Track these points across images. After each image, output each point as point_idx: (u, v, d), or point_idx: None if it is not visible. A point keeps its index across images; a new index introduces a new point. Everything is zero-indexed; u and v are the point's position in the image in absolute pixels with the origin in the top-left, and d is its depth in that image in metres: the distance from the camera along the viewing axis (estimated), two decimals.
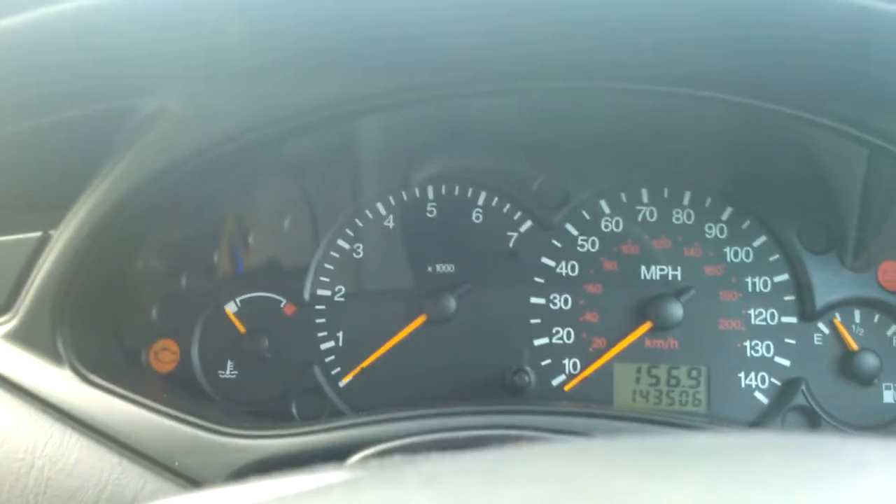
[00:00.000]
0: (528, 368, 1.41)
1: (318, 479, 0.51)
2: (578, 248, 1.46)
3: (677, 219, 1.46)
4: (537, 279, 1.45)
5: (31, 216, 1.20)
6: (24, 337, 1.16)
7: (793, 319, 1.42)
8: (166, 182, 1.15)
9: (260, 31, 1.03)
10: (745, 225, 1.44)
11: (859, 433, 1.36)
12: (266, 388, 1.43)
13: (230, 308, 1.46)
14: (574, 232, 1.46)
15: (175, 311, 1.45)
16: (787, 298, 1.42)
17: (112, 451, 1.08)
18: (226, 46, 1.06)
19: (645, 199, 1.47)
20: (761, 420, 1.39)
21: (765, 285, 1.43)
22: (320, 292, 1.45)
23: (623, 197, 1.47)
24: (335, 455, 1.07)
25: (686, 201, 1.46)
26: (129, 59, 1.08)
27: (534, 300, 1.44)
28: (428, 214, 1.48)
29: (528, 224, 1.46)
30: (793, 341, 1.41)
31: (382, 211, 1.48)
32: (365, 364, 1.43)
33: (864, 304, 1.42)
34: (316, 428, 1.11)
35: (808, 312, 1.40)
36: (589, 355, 1.42)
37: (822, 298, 1.40)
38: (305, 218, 1.47)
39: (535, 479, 0.42)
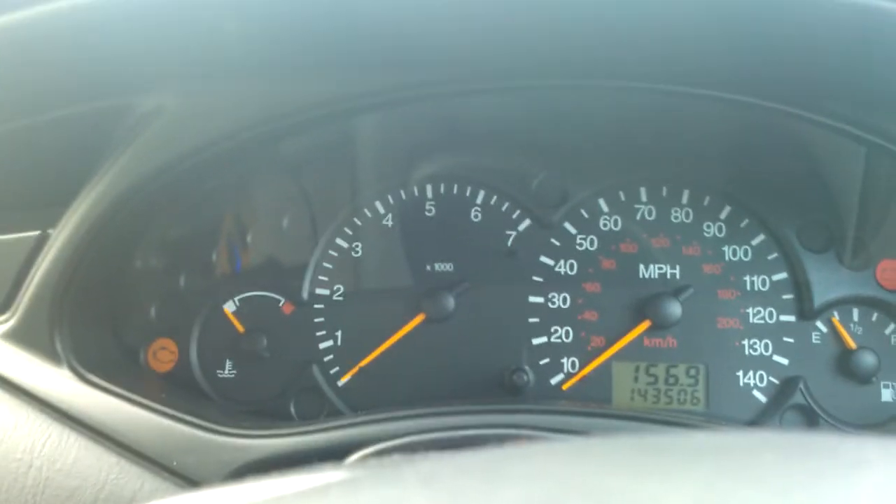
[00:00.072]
0: (526, 367, 1.41)
1: (316, 479, 0.51)
2: (577, 247, 1.46)
3: (676, 217, 1.46)
4: (536, 278, 1.45)
5: (30, 215, 1.20)
6: (23, 336, 1.16)
7: (791, 318, 1.42)
8: (164, 180, 1.15)
9: (257, 29, 1.03)
10: (744, 224, 1.44)
11: (857, 432, 1.37)
12: (265, 387, 1.43)
13: (229, 307, 1.45)
14: (573, 231, 1.46)
15: (173, 310, 1.44)
16: (785, 297, 1.42)
17: (110, 451, 1.08)
18: (223, 44, 1.05)
19: (643, 197, 1.47)
20: (760, 418, 1.39)
21: (763, 284, 1.43)
22: (319, 291, 1.45)
23: (622, 196, 1.47)
24: (334, 454, 1.07)
25: (685, 200, 1.46)
26: (126, 57, 1.07)
27: (532, 299, 1.44)
28: (426, 213, 1.48)
29: (526, 223, 1.46)
30: (791, 340, 1.41)
31: (381, 210, 1.48)
32: (363, 363, 1.43)
33: (862, 303, 1.42)
34: (314, 427, 1.11)
35: (806, 311, 1.40)
36: (587, 354, 1.42)
37: (820, 297, 1.40)
38: (304, 217, 1.47)
39: (533, 478, 0.42)
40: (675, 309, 1.39)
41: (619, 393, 1.42)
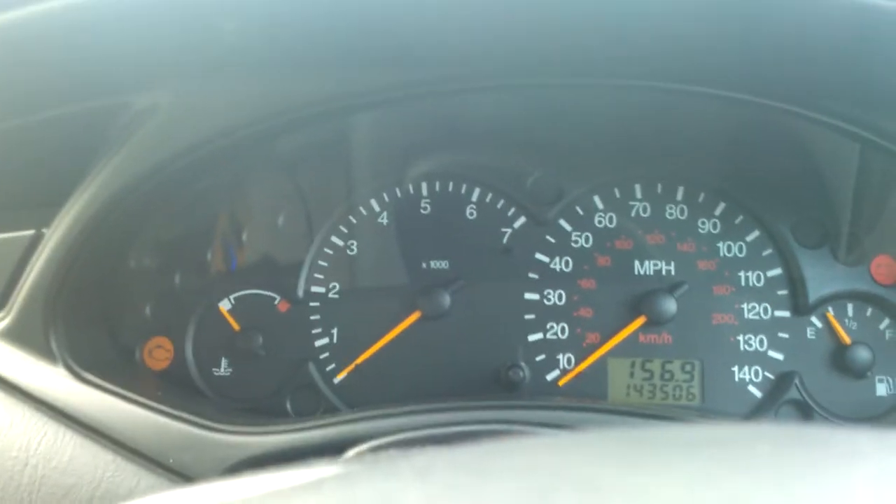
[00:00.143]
0: (522, 364, 1.41)
1: (311, 473, 0.51)
2: (572, 244, 1.46)
3: (671, 214, 1.46)
4: (531, 275, 1.45)
5: (24, 214, 1.20)
6: (18, 335, 1.16)
7: (786, 313, 1.42)
8: (159, 179, 1.15)
9: (252, 27, 1.02)
10: (739, 220, 1.45)
11: (852, 426, 1.37)
12: (260, 385, 1.43)
13: (224, 305, 1.45)
14: (568, 227, 1.46)
15: (169, 308, 1.44)
16: (780, 293, 1.43)
17: (106, 449, 1.08)
18: (218, 42, 1.05)
19: (638, 194, 1.47)
20: (755, 414, 1.39)
21: (758, 280, 1.43)
22: (314, 289, 1.45)
23: (616, 192, 1.47)
24: (330, 451, 1.08)
25: (679, 196, 1.47)
26: (120, 56, 1.07)
27: (528, 296, 1.44)
28: (422, 211, 1.48)
29: (521, 220, 1.47)
30: (786, 335, 1.41)
31: (376, 207, 1.48)
32: (359, 361, 1.43)
33: (856, 298, 1.42)
34: (310, 424, 1.11)
35: (801, 306, 1.41)
36: (583, 350, 1.42)
37: (815, 292, 1.41)
38: (299, 215, 1.47)
39: (527, 470, 0.42)
40: (670, 305, 1.40)
41: (615, 389, 1.42)
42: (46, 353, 1.16)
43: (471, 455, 0.47)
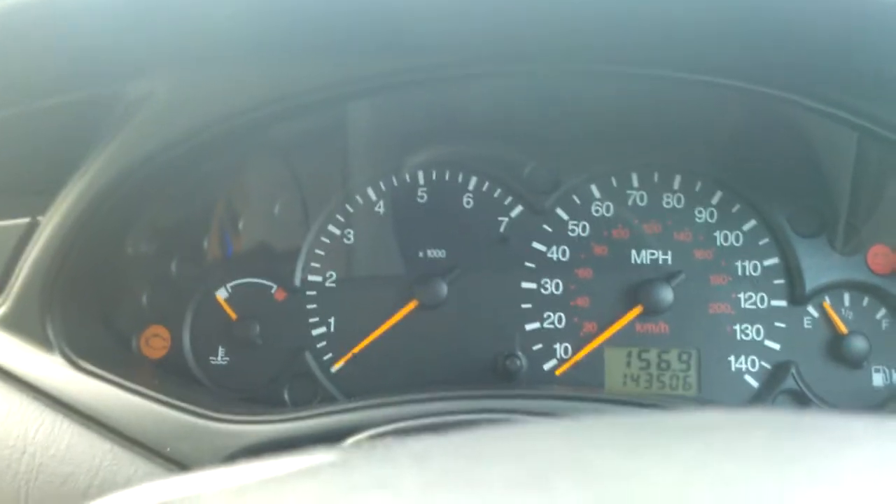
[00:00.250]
0: (519, 353, 1.41)
1: (307, 460, 0.51)
2: (569, 233, 1.46)
3: (667, 203, 1.46)
4: (528, 264, 1.45)
5: (19, 202, 1.19)
6: (14, 323, 1.16)
7: (783, 303, 1.42)
8: (154, 167, 1.14)
9: (249, 13, 1.02)
10: (735, 209, 1.45)
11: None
12: (258, 374, 1.43)
13: (221, 294, 1.45)
14: (565, 217, 1.46)
15: (165, 297, 1.44)
16: (776, 282, 1.43)
17: (104, 437, 1.08)
18: (215, 28, 1.05)
19: (635, 183, 1.47)
20: (752, 403, 1.39)
21: (755, 269, 1.43)
22: (311, 278, 1.45)
23: (613, 181, 1.47)
24: (327, 440, 1.08)
25: (676, 185, 1.46)
26: (116, 44, 1.07)
27: (525, 285, 1.44)
28: (419, 200, 1.48)
29: (518, 209, 1.46)
30: (783, 325, 1.42)
31: (373, 196, 1.47)
32: (356, 350, 1.43)
33: (853, 288, 1.42)
34: (307, 413, 1.12)
35: (797, 296, 1.41)
36: (580, 340, 1.43)
37: (811, 282, 1.41)
38: (296, 203, 1.47)
39: (523, 455, 0.42)
40: (666, 294, 1.40)
41: (612, 378, 1.42)
42: (43, 342, 1.15)
43: (467, 441, 0.47)
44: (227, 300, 1.45)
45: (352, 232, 1.47)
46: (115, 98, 1.13)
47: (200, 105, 1.12)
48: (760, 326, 1.41)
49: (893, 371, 1.40)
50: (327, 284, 1.45)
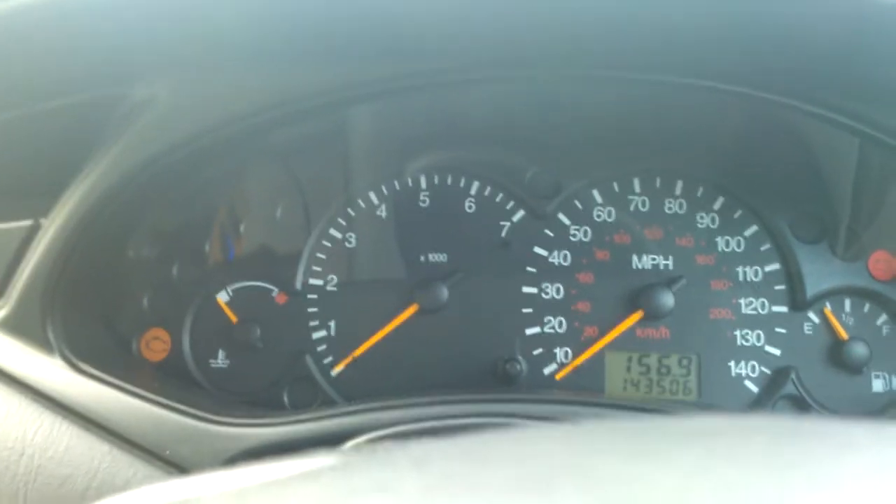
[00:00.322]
0: (519, 357, 1.41)
1: (308, 463, 0.51)
2: (571, 238, 1.46)
3: (669, 208, 1.46)
4: (529, 269, 1.45)
5: (22, 205, 1.20)
6: (15, 325, 1.16)
7: (783, 309, 1.42)
8: (157, 170, 1.15)
9: (252, 18, 1.02)
10: (737, 215, 1.45)
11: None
12: (258, 377, 1.43)
13: (222, 297, 1.45)
14: (566, 221, 1.46)
15: (166, 300, 1.44)
16: (777, 288, 1.43)
17: (103, 440, 1.08)
18: (217, 33, 1.05)
19: (637, 188, 1.47)
20: (752, 409, 1.39)
21: (756, 275, 1.43)
22: (312, 281, 1.45)
23: (615, 187, 1.47)
24: (327, 443, 1.08)
25: (678, 191, 1.46)
26: (119, 47, 1.07)
27: (526, 290, 1.44)
28: (420, 204, 1.48)
29: (520, 214, 1.46)
30: (783, 330, 1.41)
31: (375, 200, 1.47)
32: (357, 353, 1.43)
33: (854, 294, 1.42)
34: (307, 417, 1.11)
35: (798, 302, 1.41)
36: (580, 344, 1.43)
37: (812, 288, 1.41)
38: (297, 207, 1.47)
39: (524, 460, 0.42)
40: (667, 299, 1.40)
41: (612, 383, 1.42)
42: (44, 344, 1.15)
43: (467, 445, 0.47)
44: (227, 303, 1.45)
45: (353, 236, 1.47)
46: (118, 101, 1.13)
47: (203, 109, 1.12)
48: (761, 332, 1.41)
49: (894, 377, 1.40)
50: (328, 288, 1.45)
